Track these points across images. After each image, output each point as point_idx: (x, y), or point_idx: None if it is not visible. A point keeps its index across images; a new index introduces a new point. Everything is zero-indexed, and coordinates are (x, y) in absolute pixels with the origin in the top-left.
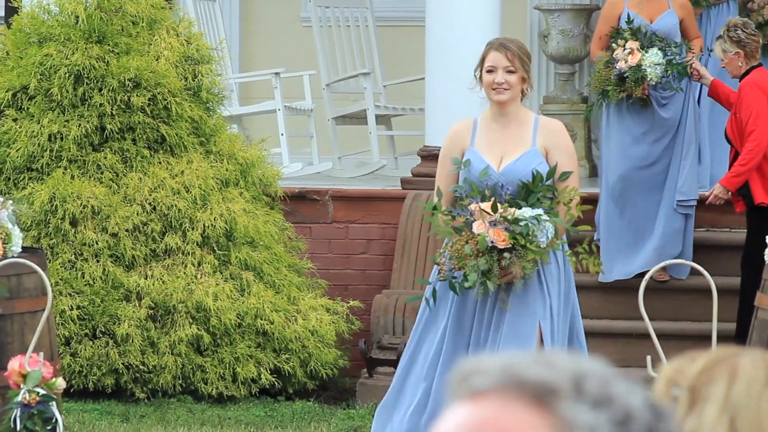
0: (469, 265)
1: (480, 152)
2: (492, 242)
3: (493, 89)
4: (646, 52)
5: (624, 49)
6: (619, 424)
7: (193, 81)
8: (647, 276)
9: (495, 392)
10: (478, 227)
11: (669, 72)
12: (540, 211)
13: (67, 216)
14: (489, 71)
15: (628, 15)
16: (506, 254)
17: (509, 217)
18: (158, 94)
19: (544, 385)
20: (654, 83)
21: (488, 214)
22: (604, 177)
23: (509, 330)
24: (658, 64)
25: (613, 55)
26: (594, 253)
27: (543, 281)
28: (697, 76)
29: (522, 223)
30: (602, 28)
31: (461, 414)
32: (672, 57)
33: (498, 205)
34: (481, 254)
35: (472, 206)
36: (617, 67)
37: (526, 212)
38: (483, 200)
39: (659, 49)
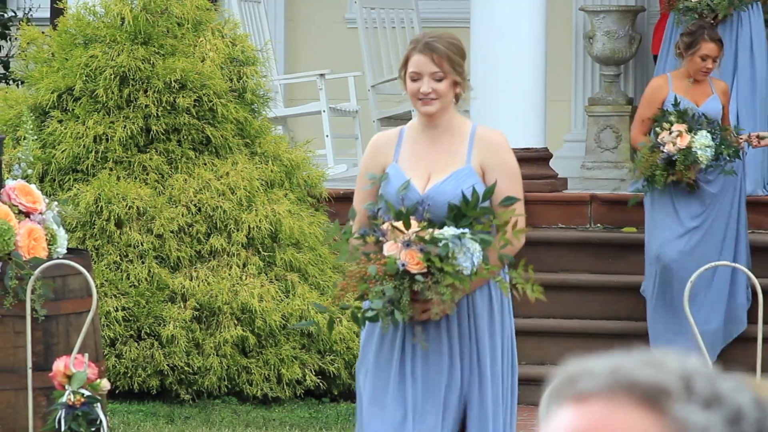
0: (373, 290)
1: (403, 169)
2: (403, 265)
3: (419, 99)
4: (695, 134)
5: (670, 132)
6: (731, 422)
7: (238, 82)
8: (692, 278)
9: (604, 394)
10: (389, 248)
11: (724, 153)
12: (465, 230)
13: (112, 217)
14: (413, 79)
15: (675, 97)
16: (419, 277)
17: (426, 237)
18: (203, 95)
19: (655, 386)
20: (704, 166)
21: (401, 232)
22: (654, 265)
23: (425, 392)
24: (709, 146)
25: (658, 139)
26: (531, 278)
27: (471, 324)
28: (756, 142)
29: (441, 243)
30: (645, 112)
31: (570, 417)
32: (721, 140)
33: (413, 221)
34: (389, 277)
35: (385, 225)
36: (665, 150)
37: (448, 231)
38: (398, 219)
39: (708, 131)
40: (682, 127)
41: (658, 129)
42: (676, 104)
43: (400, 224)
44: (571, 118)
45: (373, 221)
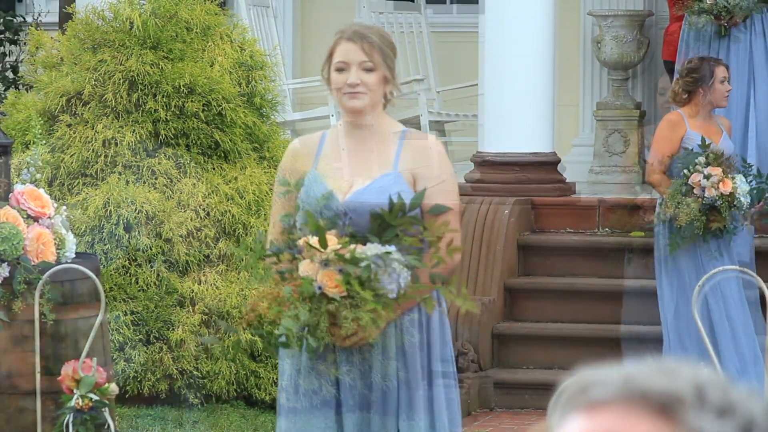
0: (286, 315)
1: (324, 176)
2: (320, 288)
3: (345, 93)
4: (733, 179)
5: (707, 177)
6: (744, 431)
7: (247, 87)
8: (700, 282)
9: (617, 403)
10: (305, 268)
11: (763, 200)
12: (392, 248)
13: (121, 221)
14: (339, 69)
15: (703, 139)
16: (336, 299)
17: (347, 256)
18: (212, 100)
19: (668, 395)
20: (744, 212)
21: (317, 251)
22: (673, 315)
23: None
24: (748, 192)
25: (690, 182)
26: (463, 292)
27: (403, 359)
28: None
29: (363, 264)
30: (665, 150)
31: (582, 425)
32: (754, 184)
33: (330, 238)
34: (305, 300)
35: (301, 241)
36: (706, 195)
37: (371, 249)
38: (316, 234)
39: (743, 174)
40: (718, 170)
41: (686, 171)
42: (705, 146)
43: (316, 241)
44: (579, 122)
45: (289, 236)
